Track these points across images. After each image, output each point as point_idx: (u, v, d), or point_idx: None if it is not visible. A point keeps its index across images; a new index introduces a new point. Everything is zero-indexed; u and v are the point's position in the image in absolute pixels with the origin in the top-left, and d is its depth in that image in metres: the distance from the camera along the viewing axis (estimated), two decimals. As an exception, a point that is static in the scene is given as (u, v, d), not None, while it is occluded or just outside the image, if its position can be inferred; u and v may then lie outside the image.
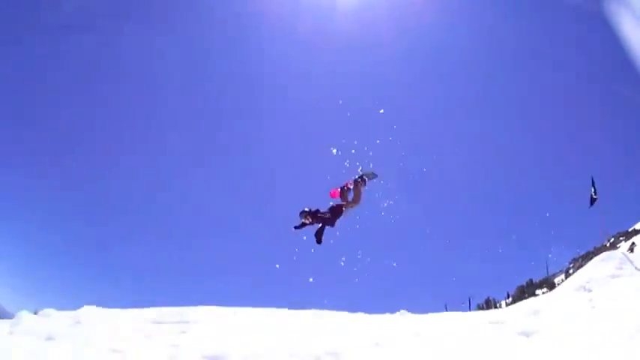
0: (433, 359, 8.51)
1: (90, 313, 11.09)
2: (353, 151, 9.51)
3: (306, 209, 8.74)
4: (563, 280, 23.87)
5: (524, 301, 15.39)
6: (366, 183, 9.24)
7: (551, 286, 23.84)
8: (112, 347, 9.91)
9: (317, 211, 8.95)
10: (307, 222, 8.93)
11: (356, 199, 9.09)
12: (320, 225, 8.96)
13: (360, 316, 12.94)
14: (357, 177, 9.31)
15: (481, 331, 10.16)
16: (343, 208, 8.98)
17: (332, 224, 8.98)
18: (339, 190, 9.15)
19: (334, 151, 9.52)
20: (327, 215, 8.96)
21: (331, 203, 9.09)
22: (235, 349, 9.79)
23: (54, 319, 11.04)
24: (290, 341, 10.15)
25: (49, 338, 10.34)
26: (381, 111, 19.28)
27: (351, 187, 9.25)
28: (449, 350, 8.78)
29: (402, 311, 12.97)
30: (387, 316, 12.97)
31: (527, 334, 8.86)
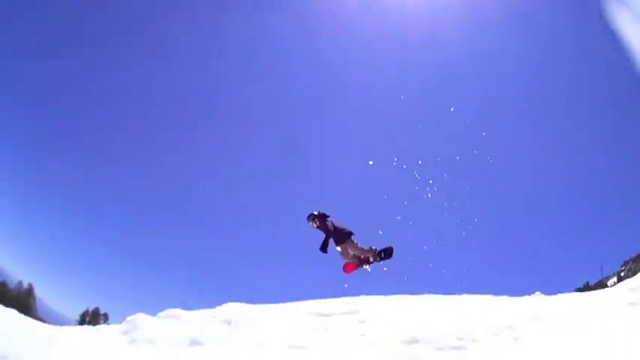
0: (587, 326, 8.83)
1: (236, 310, 8.77)
2: (420, 161, 9.07)
3: (315, 212, 8.01)
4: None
5: (625, 281, 17.56)
6: (380, 259, 8.46)
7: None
8: (289, 343, 7.72)
9: (325, 216, 8.11)
10: (315, 225, 8.09)
11: (357, 252, 8.43)
12: (325, 236, 8.12)
13: (505, 299, 12.34)
14: (379, 249, 8.52)
15: (602, 304, 11.03)
16: (351, 236, 8.19)
17: (334, 239, 8.11)
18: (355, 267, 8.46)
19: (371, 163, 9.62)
20: (332, 228, 8.02)
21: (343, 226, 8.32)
22: (427, 331, 8.24)
23: (184, 320, 8.60)
24: (467, 322, 9.12)
25: (195, 343, 7.88)
26: (452, 109, 19.15)
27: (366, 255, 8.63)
28: (590, 320, 9.36)
29: (538, 293, 13.14)
30: (526, 298, 12.73)
31: (635, 304, 10.30)
